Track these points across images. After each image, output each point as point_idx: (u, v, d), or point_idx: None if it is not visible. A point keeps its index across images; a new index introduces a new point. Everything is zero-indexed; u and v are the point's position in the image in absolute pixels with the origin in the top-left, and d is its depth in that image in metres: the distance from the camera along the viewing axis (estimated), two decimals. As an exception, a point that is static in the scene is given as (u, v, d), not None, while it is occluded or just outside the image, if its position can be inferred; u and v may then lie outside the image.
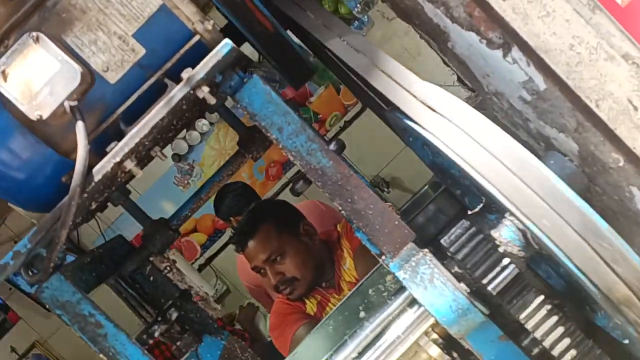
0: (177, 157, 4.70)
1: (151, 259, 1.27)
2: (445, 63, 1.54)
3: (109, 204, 1.25)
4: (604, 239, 0.78)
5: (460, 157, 0.81)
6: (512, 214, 0.79)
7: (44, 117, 0.83)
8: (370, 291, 1.23)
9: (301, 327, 2.06)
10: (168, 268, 1.26)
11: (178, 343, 1.15)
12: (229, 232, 4.68)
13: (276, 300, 2.28)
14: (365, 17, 2.82)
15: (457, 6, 0.99)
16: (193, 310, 1.27)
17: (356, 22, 2.93)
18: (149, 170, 1.33)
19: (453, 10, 1.00)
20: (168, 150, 4.76)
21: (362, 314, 1.20)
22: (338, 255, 2.18)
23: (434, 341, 1.13)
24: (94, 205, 1.07)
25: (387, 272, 1.26)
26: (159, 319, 1.13)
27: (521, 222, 0.79)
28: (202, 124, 4.70)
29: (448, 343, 1.14)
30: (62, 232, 0.86)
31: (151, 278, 1.28)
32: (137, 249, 1.27)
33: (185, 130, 4.62)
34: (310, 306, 2.15)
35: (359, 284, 1.30)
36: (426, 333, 1.12)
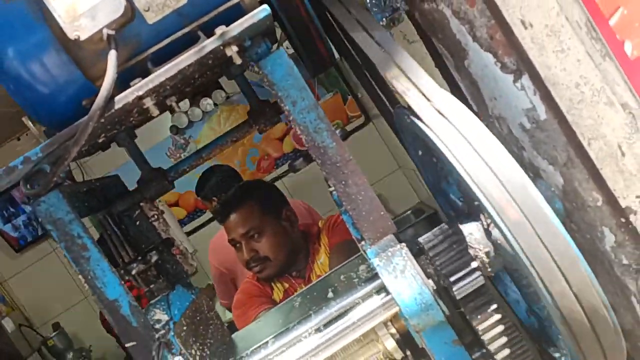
0: (174, 129, 4.73)
1: (142, 204, 1.32)
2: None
3: (113, 145, 1.31)
4: (572, 261, 0.84)
5: (455, 158, 0.86)
6: (490, 216, 0.85)
7: (81, 38, 0.88)
8: (341, 277, 1.29)
9: (264, 311, 2.12)
10: (155, 216, 1.29)
11: (152, 286, 1.20)
12: (208, 214, 4.73)
13: (245, 280, 2.33)
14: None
15: (481, 26, 1.05)
16: (170, 261, 1.31)
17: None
18: (145, 136, 1.39)
19: (477, 29, 1.07)
20: (167, 120, 4.80)
21: (330, 295, 1.26)
22: (314, 248, 2.24)
23: (392, 335, 1.19)
24: (102, 138, 1.12)
25: (360, 263, 1.32)
26: (139, 258, 1.17)
27: (496, 225, 0.85)
28: (207, 102, 4.75)
29: (404, 340, 1.20)
30: (73, 149, 0.91)
31: (137, 222, 1.32)
32: (130, 191, 1.31)
33: (188, 105, 4.68)
34: (277, 292, 2.21)
35: (331, 271, 1.35)
36: (386, 325, 1.18)
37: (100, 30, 0.88)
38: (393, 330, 1.19)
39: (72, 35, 0.88)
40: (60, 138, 0.92)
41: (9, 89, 0.95)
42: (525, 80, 1.03)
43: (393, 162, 4.79)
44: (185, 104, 4.67)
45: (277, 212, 2.24)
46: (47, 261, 4.98)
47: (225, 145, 1.33)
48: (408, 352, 1.21)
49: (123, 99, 0.92)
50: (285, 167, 4.93)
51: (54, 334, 4.60)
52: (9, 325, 4.50)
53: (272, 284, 2.24)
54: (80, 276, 1.04)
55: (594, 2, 0.99)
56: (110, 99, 0.91)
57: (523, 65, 1.02)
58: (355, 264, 1.30)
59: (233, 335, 1.33)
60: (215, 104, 4.75)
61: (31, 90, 0.95)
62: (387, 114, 1.34)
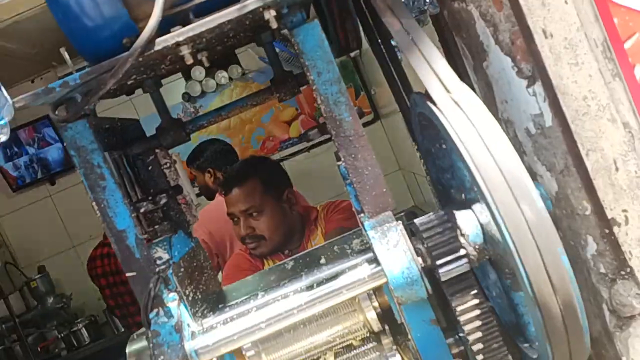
0: (186, 97, 4.79)
1: (157, 150, 1.38)
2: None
3: (138, 91, 1.38)
4: (555, 256, 0.91)
5: (464, 147, 0.92)
6: (487, 205, 0.91)
7: (134, -22, 0.94)
8: (335, 247, 1.35)
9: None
10: (168, 164, 1.36)
11: (156, 227, 1.26)
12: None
13: (237, 252, 2.39)
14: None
15: (505, 31, 1.12)
16: (175, 209, 1.37)
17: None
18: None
19: (500, 33, 1.13)
20: (181, 87, 4.86)
21: (322, 261, 1.32)
22: (311, 230, 2.30)
23: (374, 308, 1.25)
24: (132, 80, 1.18)
25: (354, 237, 1.39)
26: (150, 198, 1.23)
27: (491, 214, 0.91)
28: (222, 75, 4.80)
29: (384, 315, 1.26)
30: (110, 80, 0.97)
31: (150, 167, 1.38)
32: (148, 137, 1.37)
33: (204, 75, 4.72)
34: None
35: (325, 242, 1.42)
36: (370, 298, 1.24)
37: (152, -26, 0.94)
38: (375, 304, 1.26)
39: (125, -26, 0.93)
40: (99, 69, 0.98)
41: (57, 18, 1.01)
42: (538, 87, 1.09)
43: (395, 162, 4.86)
44: (201, 73, 4.72)
45: (279, 193, 2.29)
46: (42, 205, 5.05)
47: (244, 107, 1.39)
48: (386, 327, 1.28)
49: (163, 41, 0.98)
50: (288, 151, 5.00)
51: (38, 275, 4.66)
52: (-5, 261, 4.57)
53: (264, 260, 2.30)
54: (93, 203, 1.10)
55: (613, 24, 1.05)
56: (151, 40, 0.96)
57: (538, 73, 1.08)
58: (350, 238, 1.36)
59: (224, 287, 1.40)
60: (230, 78, 4.80)
61: (78, 22, 1.01)
62: (402, 104, 1.40)
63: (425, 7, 1.60)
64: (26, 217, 5.01)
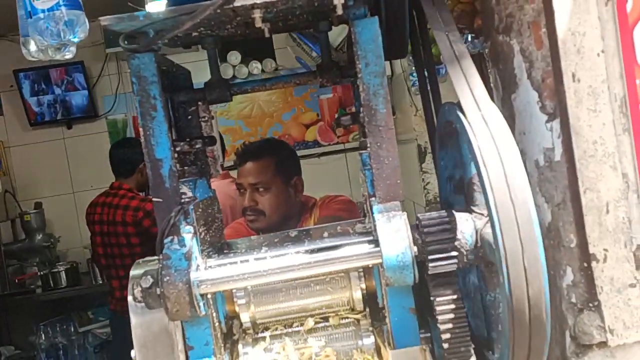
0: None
1: (200, 103, 1.50)
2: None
3: (195, 46, 1.50)
4: (537, 272, 1.02)
5: (483, 162, 1.04)
6: (489, 213, 1.02)
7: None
8: (338, 228, 1.46)
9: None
10: (206, 117, 1.47)
11: (186, 167, 1.38)
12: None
13: (237, 221, 2.52)
14: (443, 67, 3.11)
15: (539, 68, 1.24)
16: (203, 159, 1.49)
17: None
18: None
19: (534, 70, 1.25)
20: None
21: (325, 235, 1.43)
22: (305, 218, 2.43)
23: (361, 288, 1.36)
24: (196, 33, 1.30)
25: (358, 222, 1.50)
26: (187, 140, 1.35)
27: (491, 222, 1.02)
28: (256, 66, 4.94)
29: (369, 298, 1.37)
30: (187, 23, 1.09)
31: (189, 117, 1.50)
32: (195, 89, 1.49)
33: (239, 60, 4.84)
34: (261, 243, 2.39)
35: (329, 224, 1.53)
36: (359, 279, 1.35)
37: (248, -61, 1.06)
38: (363, 286, 1.37)
39: None
40: (181, 10, 1.10)
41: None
42: (556, 123, 1.21)
43: (405, 172, 4.98)
44: (237, 58, 4.86)
45: (288, 177, 2.43)
46: (54, 145, 5.16)
47: (288, 84, 1.51)
48: (367, 310, 1.39)
49: (240, 1, 1.10)
50: (300, 152, 5.12)
51: (33, 211, 4.76)
52: (-4, 186, 4.68)
53: (259, 235, 2.42)
54: (140, 128, 1.22)
55: (635, 85, 1.18)
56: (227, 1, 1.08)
57: (559, 111, 1.20)
58: (353, 223, 1.48)
59: (228, 240, 1.51)
60: (262, 71, 4.94)
61: (171, -34, 1.13)
62: (428, 111, 1.52)
63: (468, 40, 1.73)
64: (36, 153, 5.13)
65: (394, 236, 1.17)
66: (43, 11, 1.22)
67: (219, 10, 1.11)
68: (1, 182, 4.83)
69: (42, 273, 4.69)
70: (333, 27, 1.39)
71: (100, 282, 4.60)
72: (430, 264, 1.18)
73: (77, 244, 5.09)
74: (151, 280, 1.18)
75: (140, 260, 1.36)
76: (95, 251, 3.75)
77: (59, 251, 5.07)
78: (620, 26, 1.17)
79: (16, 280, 4.72)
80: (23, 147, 5.16)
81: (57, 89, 4.97)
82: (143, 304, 1.23)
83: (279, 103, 5.21)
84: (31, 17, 1.23)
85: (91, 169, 4.99)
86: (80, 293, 4.57)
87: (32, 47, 1.35)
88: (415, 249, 1.18)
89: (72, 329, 4.64)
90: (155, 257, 1.27)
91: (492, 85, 1.51)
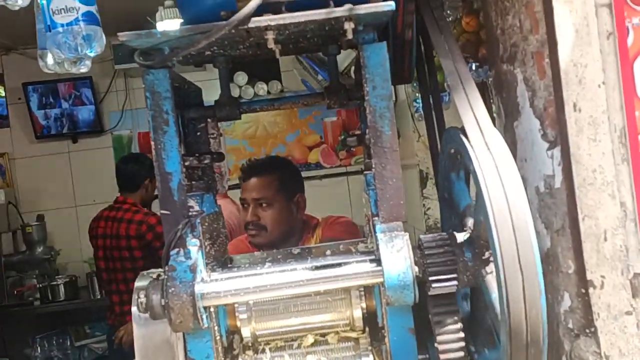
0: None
1: (209, 120, 1.53)
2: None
3: (205, 65, 1.54)
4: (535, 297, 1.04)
5: (485, 186, 1.06)
6: (490, 238, 1.05)
7: (246, -35, 1.10)
8: (341, 247, 1.49)
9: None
10: (214, 134, 1.51)
11: (193, 182, 1.40)
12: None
13: (239, 238, 2.54)
14: (447, 95, 3.16)
15: (541, 97, 1.27)
16: (210, 175, 1.52)
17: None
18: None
19: (537, 98, 1.29)
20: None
21: (328, 253, 1.46)
22: (307, 237, 2.46)
23: (362, 307, 1.38)
24: (209, 52, 1.34)
25: (361, 242, 1.53)
26: (196, 155, 1.38)
27: (493, 248, 1.05)
28: (261, 87, 5.00)
29: (369, 318, 1.39)
30: (202, 41, 1.12)
31: (198, 133, 1.54)
32: (205, 106, 1.53)
33: (245, 82, 4.90)
34: (262, 261, 2.42)
35: (332, 243, 1.56)
36: (360, 298, 1.37)
37: (263, -35, 1.11)
38: (364, 305, 1.38)
39: (243, -41, 1.10)
40: (197, 29, 1.14)
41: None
42: (557, 151, 1.24)
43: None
44: (243, 79, 4.92)
45: (291, 194, 2.47)
46: (58, 159, 5.21)
47: (296, 104, 1.54)
48: (367, 329, 1.41)
49: (257, 21, 1.14)
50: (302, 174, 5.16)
51: (35, 223, 4.79)
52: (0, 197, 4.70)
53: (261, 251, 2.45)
54: (152, 142, 1.25)
55: (634, 116, 1.21)
56: (248, 17, 1.12)
57: (560, 139, 1.23)
58: (355, 242, 1.50)
59: (232, 255, 1.53)
60: (268, 92, 5.00)
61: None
62: (432, 135, 1.55)
63: (473, 71, 1.77)
64: (40, 165, 5.17)
65: (396, 255, 1.19)
66: (62, 25, 1.26)
67: (233, 31, 1.15)
68: (4, 194, 4.86)
69: (40, 285, 4.71)
70: (341, 50, 1.43)
71: (99, 296, 4.61)
72: (432, 286, 1.20)
73: (77, 258, 5.10)
74: (157, 290, 1.20)
75: (145, 272, 1.38)
76: (97, 265, 3.77)
77: (58, 264, 5.09)
78: (621, 59, 1.20)
79: (15, 292, 4.73)
80: (28, 159, 5.21)
81: (64, 103, 5.03)
82: (146, 315, 1.25)
83: (283, 124, 5.26)
84: (50, 31, 1.27)
85: (94, 184, 5.03)
86: (78, 307, 4.58)
87: (49, 59, 1.39)
88: (416, 269, 1.20)
89: (69, 343, 4.64)
90: (160, 270, 1.29)
91: (495, 113, 1.54)
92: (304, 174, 5.12)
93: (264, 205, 2.40)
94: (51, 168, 5.17)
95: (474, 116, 1.17)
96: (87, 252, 4.70)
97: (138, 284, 1.33)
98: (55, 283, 4.69)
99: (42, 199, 5.18)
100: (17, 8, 1.28)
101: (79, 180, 5.22)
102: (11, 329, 4.76)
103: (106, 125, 5.24)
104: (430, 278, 1.20)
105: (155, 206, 3.86)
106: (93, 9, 1.30)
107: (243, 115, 1.49)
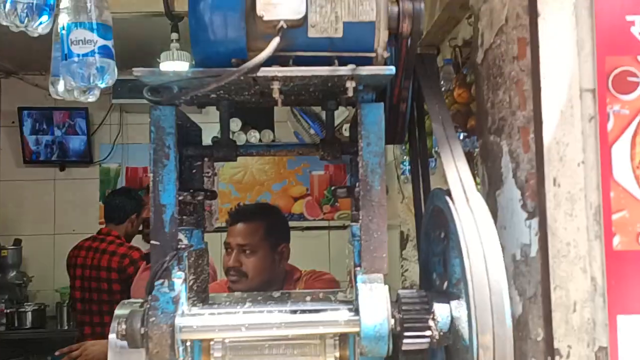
0: (215, 138, 5.04)
1: (206, 159, 1.59)
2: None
3: (207, 108, 1.60)
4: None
5: (466, 249, 1.12)
6: (467, 302, 1.10)
7: (264, 18, 1.18)
8: (320, 295, 1.52)
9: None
10: (209, 173, 1.56)
11: (184, 217, 1.45)
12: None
13: (218, 281, 2.56)
14: (434, 161, 3.25)
15: (524, 170, 1.34)
16: (201, 212, 1.56)
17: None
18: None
19: (520, 170, 1.36)
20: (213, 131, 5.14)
21: (307, 299, 1.49)
22: (288, 289, 2.47)
23: (335, 357, 1.41)
24: (214, 94, 1.41)
25: (340, 292, 1.56)
26: (191, 191, 1.43)
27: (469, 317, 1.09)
28: (254, 135, 5.09)
29: (341, 367, 1.42)
30: (212, 84, 1.19)
31: (194, 170, 1.59)
32: (203, 145, 1.58)
33: (239, 129, 4.99)
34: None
35: (312, 290, 1.59)
36: (335, 346, 1.40)
37: (278, 20, 1.18)
38: (337, 354, 1.41)
39: (259, 12, 1.18)
40: (208, 72, 1.21)
41: (191, 24, 1.24)
42: (534, 222, 1.31)
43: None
44: (237, 125, 5.01)
45: (276, 243, 2.50)
46: (43, 185, 5.21)
47: (290, 152, 1.61)
48: (338, 379, 1.43)
49: (265, 71, 1.21)
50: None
51: (12, 247, 4.75)
52: (-24, 219, 4.67)
53: (239, 298, 2.46)
54: (150, 173, 1.30)
55: (609, 196, 1.28)
56: (258, 66, 1.19)
57: (539, 211, 1.30)
58: (335, 292, 1.54)
59: (212, 295, 1.56)
60: (260, 140, 5.09)
61: (204, 31, 1.24)
62: (418, 200, 1.61)
63: (461, 140, 1.84)
64: (24, 190, 5.16)
65: (374, 307, 1.24)
66: (78, 55, 1.32)
67: (242, 77, 1.22)
68: (-18, 216, 4.84)
69: (8, 311, 4.63)
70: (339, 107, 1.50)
71: (66, 327, 4.54)
72: (405, 340, 1.24)
73: (49, 286, 5.04)
74: (138, 318, 1.23)
75: (126, 301, 1.41)
76: (72, 295, 3.75)
77: (29, 291, 5.02)
78: (600, 142, 1.28)
79: (-19, 315, 4.65)
80: (12, 182, 5.20)
81: (57, 131, 5.07)
82: (123, 343, 1.27)
83: (272, 173, 5.33)
84: (66, 59, 1.33)
85: (76, 213, 5.02)
86: (43, 336, 4.49)
87: (60, 86, 1.44)
88: (392, 321, 1.24)
89: (29, 372, 4.54)
90: (139, 300, 1.32)
91: (479, 180, 1.61)
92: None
93: (247, 252, 2.43)
94: (35, 193, 5.17)
95: (459, 179, 1.23)
96: (60, 282, 4.65)
97: (118, 311, 1.35)
98: (23, 310, 4.62)
99: (22, 223, 5.15)
100: (36, 35, 1.34)
101: (62, 208, 5.21)
102: (-29, 353, 4.66)
103: (95, 157, 5.27)
104: (405, 333, 1.24)
105: (136, 241, 3.86)
106: (109, 43, 1.37)
107: (232, 161, 1.55)
